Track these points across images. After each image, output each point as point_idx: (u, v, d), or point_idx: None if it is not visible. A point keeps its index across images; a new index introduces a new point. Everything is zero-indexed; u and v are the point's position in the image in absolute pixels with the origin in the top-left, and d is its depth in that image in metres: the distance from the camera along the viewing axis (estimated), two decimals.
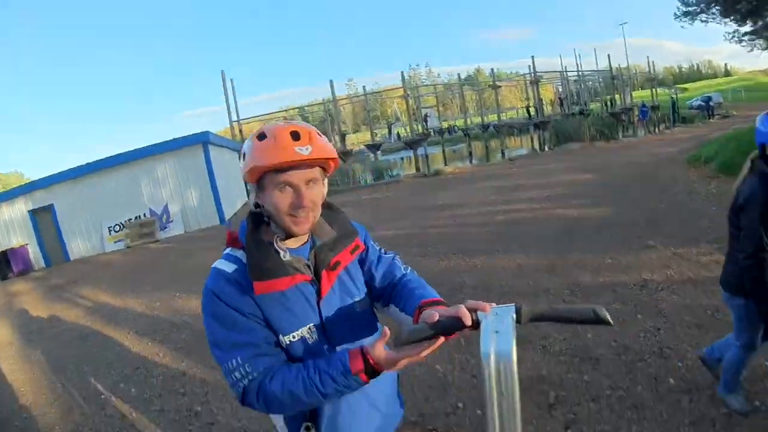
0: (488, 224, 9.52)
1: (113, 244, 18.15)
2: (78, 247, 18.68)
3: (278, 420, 1.59)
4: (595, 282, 5.73)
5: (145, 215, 18.12)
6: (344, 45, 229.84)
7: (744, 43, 37.53)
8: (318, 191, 1.40)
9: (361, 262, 1.62)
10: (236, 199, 20.40)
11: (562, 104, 39.24)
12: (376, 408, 1.59)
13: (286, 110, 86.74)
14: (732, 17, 32.24)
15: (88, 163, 18.74)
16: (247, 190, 1.55)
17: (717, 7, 31.53)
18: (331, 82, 28.11)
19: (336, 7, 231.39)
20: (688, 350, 3.93)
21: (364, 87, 36.54)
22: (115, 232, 18.22)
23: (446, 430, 3.44)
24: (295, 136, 1.30)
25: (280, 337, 1.39)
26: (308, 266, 1.43)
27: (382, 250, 1.71)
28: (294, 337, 1.40)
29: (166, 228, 17.97)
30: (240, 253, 1.41)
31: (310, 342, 1.42)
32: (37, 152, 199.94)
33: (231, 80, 25.80)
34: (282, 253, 1.38)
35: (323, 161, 1.38)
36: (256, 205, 1.42)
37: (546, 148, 29.11)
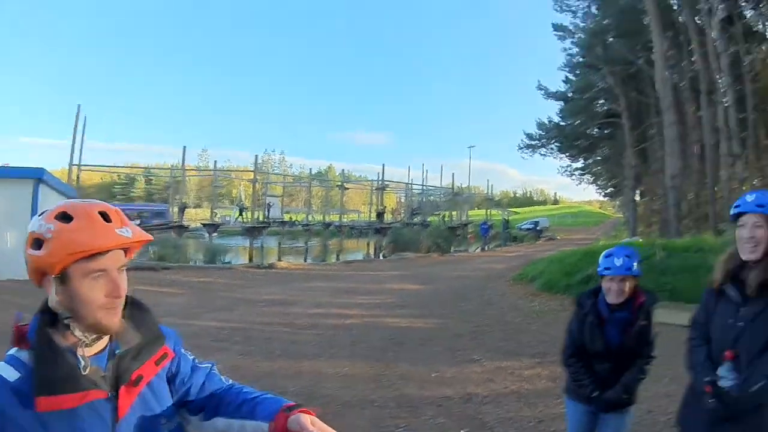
0: (317, 327, 9.34)
1: None
2: None
3: None
4: (421, 395, 5.75)
5: None
6: (202, 114, 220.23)
7: (574, 177, 44.87)
8: (125, 279, 1.24)
9: (171, 374, 1.41)
10: None
11: (414, 213, 41.69)
12: None
13: (131, 167, 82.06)
14: (568, 153, 39.15)
15: None
16: None
17: (557, 144, 38.08)
18: (184, 148, 27.81)
19: (206, 78, 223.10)
20: None
21: (215, 162, 35.95)
22: None
23: None
24: (106, 217, 1.18)
25: None
26: (104, 379, 1.22)
27: (196, 360, 1.50)
28: None
29: None
30: (25, 356, 1.18)
31: None
32: None
33: (85, 117, 23.73)
34: (83, 363, 1.18)
35: (134, 245, 1.25)
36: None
37: (382, 255, 30.21)
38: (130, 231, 1.20)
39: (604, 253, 3.02)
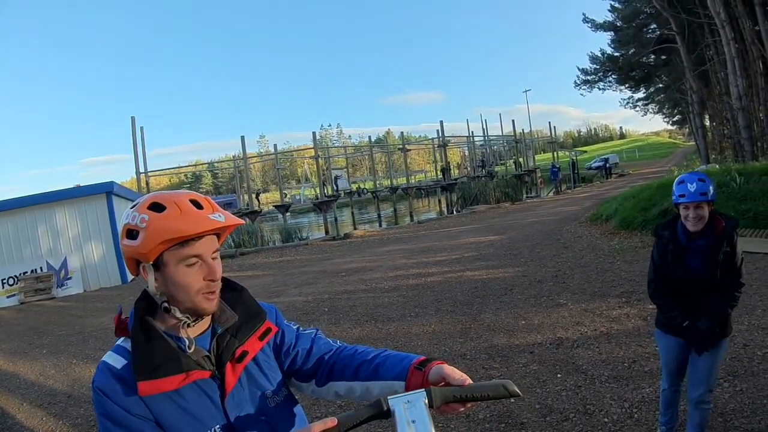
0: (399, 288, 9.45)
1: (6, 298, 16.12)
2: None
3: None
4: (511, 344, 5.74)
5: (41, 269, 16.54)
6: (255, 102, 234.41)
7: (638, 108, 42.75)
8: (220, 263, 1.29)
9: (276, 347, 1.45)
10: None
11: (479, 166, 41.20)
12: None
13: (195, 165, 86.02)
14: (627, 85, 37.19)
15: None
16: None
17: (614, 76, 36.20)
18: (242, 138, 28.55)
19: (248, 64, 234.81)
20: (611, 404, 3.96)
21: (275, 146, 36.84)
22: (9, 285, 16.33)
23: None
24: (197, 204, 1.22)
25: None
26: (209, 358, 1.27)
27: (300, 328, 1.53)
28: None
29: (63, 285, 16.47)
30: (130, 344, 1.24)
31: None
32: None
33: (141, 128, 24.67)
34: (187, 343, 1.24)
35: (224, 229, 1.29)
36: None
37: (454, 211, 30.09)
38: (223, 216, 1.23)
39: (676, 180, 2.93)
